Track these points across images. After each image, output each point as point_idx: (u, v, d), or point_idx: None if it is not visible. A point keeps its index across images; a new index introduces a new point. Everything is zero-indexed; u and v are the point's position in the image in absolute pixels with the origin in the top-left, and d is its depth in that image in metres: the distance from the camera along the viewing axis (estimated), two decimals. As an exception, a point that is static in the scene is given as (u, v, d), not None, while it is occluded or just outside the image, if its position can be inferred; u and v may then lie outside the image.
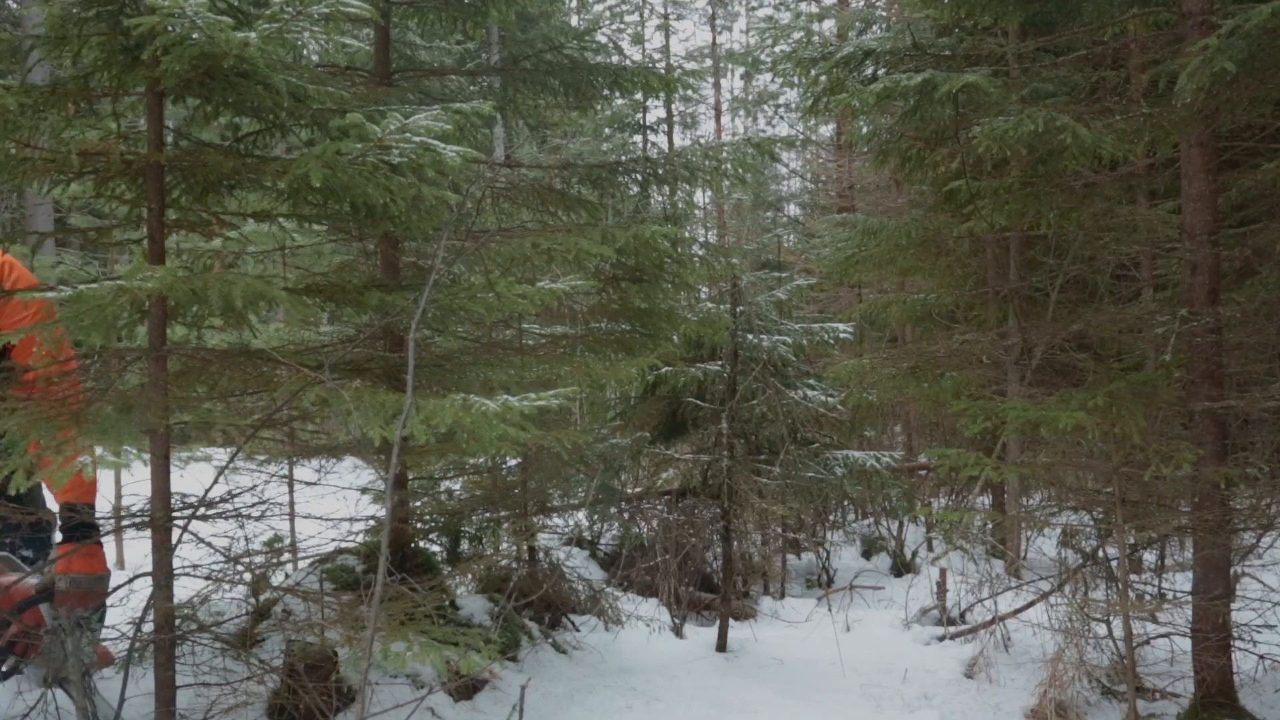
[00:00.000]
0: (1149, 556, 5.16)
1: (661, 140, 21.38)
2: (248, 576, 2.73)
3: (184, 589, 2.52)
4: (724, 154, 3.92)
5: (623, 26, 22.63)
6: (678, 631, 4.91)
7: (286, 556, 4.81)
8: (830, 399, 6.43)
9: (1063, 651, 3.70)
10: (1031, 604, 4.56)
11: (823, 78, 5.65)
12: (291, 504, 5.67)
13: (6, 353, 2.41)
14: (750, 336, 5.54)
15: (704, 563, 5.74)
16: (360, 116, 1.95)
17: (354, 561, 3.63)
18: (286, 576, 3.94)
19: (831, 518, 8.21)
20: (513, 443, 1.99)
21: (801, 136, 15.70)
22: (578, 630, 4.53)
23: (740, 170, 3.94)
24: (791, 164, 19.36)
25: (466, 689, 3.20)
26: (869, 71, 5.77)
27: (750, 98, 23.40)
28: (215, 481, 2.42)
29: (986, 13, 4.30)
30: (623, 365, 3.88)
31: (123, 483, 6.25)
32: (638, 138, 20.88)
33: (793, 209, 19.63)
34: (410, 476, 3.95)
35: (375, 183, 2.02)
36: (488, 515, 4.54)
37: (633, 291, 4.03)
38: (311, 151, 1.99)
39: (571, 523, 5.86)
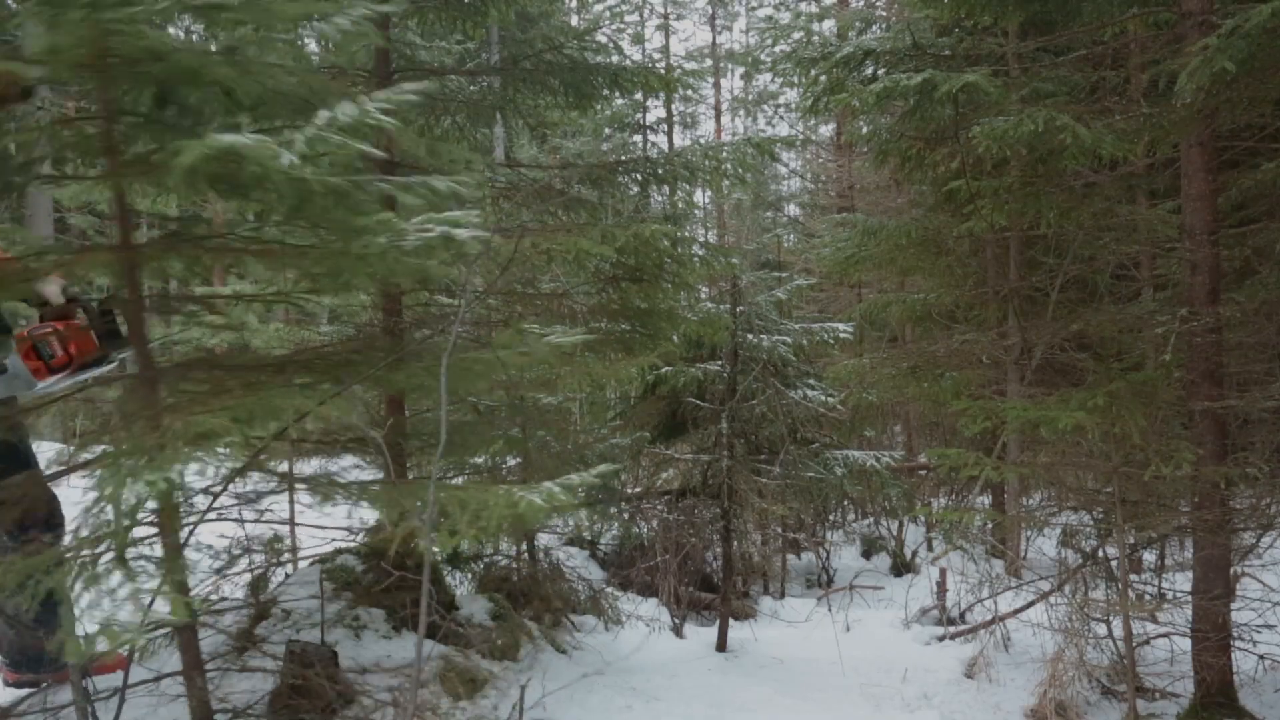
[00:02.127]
0: (1149, 556, 5.16)
1: (661, 140, 21.37)
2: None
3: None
4: (724, 154, 3.92)
5: (623, 26, 22.63)
6: (678, 631, 4.91)
7: (287, 556, 4.82)
8: (830, 399, 6.43)
9: (1063, 651, 3.70)
10: (1031, 604, 4.56)
11: (823, 77, 5.66)
12: (291, 504, 5.67)
13: None
14: (750, 336, 5.55)
15: (704, 563, 5.74)
16: (390, 217, 1.88)
17: (354, 562, 3.63)
18: (287, 577, 3.94)
19: (831, 518, 8.22)
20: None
21: (801, 136, 15.71)
22: (578, 630, 4.52)
23: (740, 170, 3.93)
24: (791, 164, 19.37)
25: (466, 689, 3.19)
26: (869, 71, 5.77)
27: (750, 98, 23.40)
28: (223, 489, 2.42)
29: (986, 13, 4.31)
30: (623, 365, 3.88)
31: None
32: (638, 137, 20.88)
33: (793, 209, 19.63)
34: (410, 476, 3.95)
35: (393, 268, 1.96)
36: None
37: (633, 291, 4.03)
38: (329, 248, 1.93)
39: (571, 523, 5.86)
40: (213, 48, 2.00)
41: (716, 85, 23.67)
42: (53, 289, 2.65)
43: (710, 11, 23.78)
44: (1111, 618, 3.72)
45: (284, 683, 2.68)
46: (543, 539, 4.95)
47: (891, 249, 6.70)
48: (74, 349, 2.58)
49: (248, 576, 3.21)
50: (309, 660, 2.70)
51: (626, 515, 5.88)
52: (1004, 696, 4.00)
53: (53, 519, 2.56)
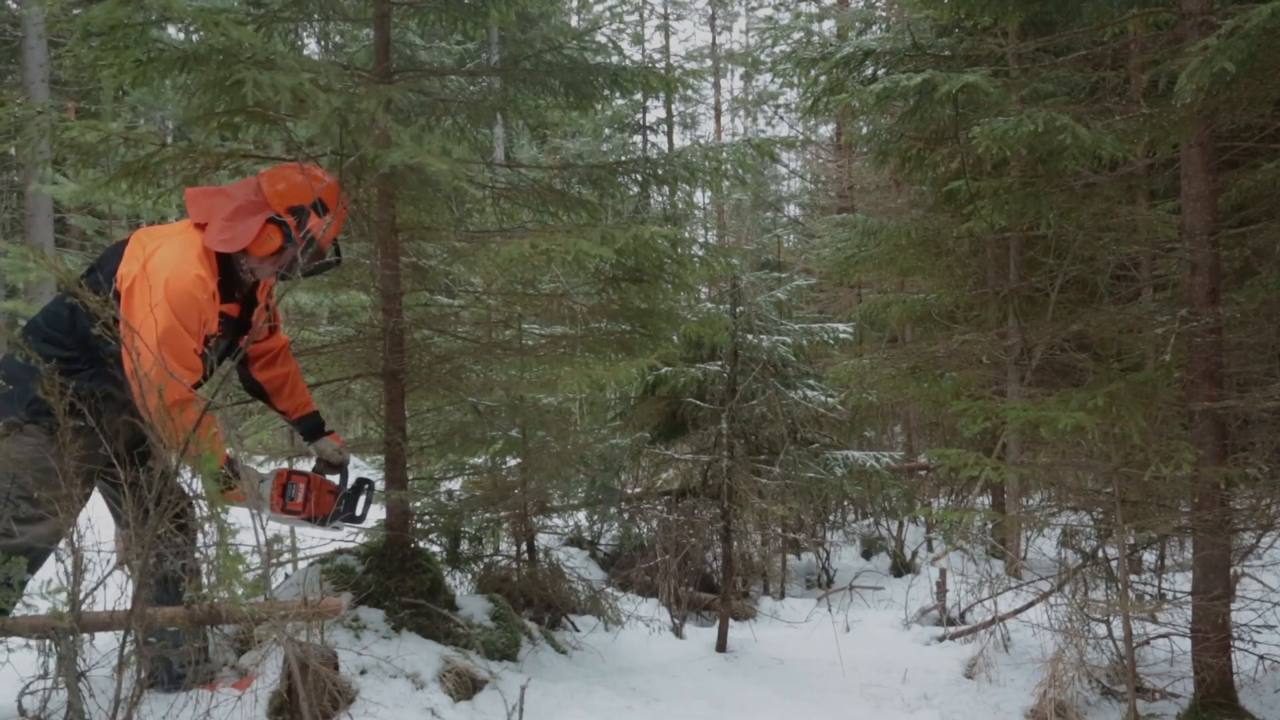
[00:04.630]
0: (1149, 556, 5.16)
1: (661, 140, 21.38)
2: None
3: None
4: (724, 154, 3.91)
5: (623, 26, 22.65)
6: (678, 631, 4.91)
7: (286, 557, 4.82)
8: (830, 399, 6.42)
9: (1063, 651, 3.70)
10: (1031, 604, 4.56)
11: (823, 78, 5.65)
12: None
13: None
14: (750, 336, 5.54)
15: (704, 563, 5.74)
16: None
17: (354, 562, 3.63)
18: (287, 577, 3.94)
19: (831, 518, 8.21)
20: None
21: (801, 136, 15.71)
22: (578, 630, 4.53)
23: (740, 171, 3.93)
24: (791, 164, 19.37)
25: (466, 689, 3.19)
26: (869, 71, 5.77)
27: (750, 98, 23.40)
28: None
29: (986, 13, 4.30)
30: (623, 366, 3.88)
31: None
32: (637, 138, 20.89)
33: (793, 209, 19.63)
34: (410, 477, 3.95)
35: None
36: (488, 515, 4.54)
37: (632, 292, 4.03)
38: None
39: (571, 523, 5.86)
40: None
41: (716, 85, 23.68)
42: (330, 448, 3.17)
43: (710, 12, 23.79)
44: (1111, 618, 3.72)
45: (283, 683, 2.68)
46: (543, 539, 4.95)
47: (891, 249, 6.69)
48: (312, 505, 2.96)
49: (247, 577, 3.21)
50: (308, 661, 2.70)
51: (626, 515, 5.87)
52: (1004, 697, 3.99)
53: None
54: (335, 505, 3.04)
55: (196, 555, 2.47)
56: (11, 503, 2.51)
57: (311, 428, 3.19)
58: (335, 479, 3.11)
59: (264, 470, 2.99)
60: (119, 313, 2.46)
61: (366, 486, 3.17)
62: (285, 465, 3.21)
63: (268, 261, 2.79)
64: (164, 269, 2.54)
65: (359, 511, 3.14)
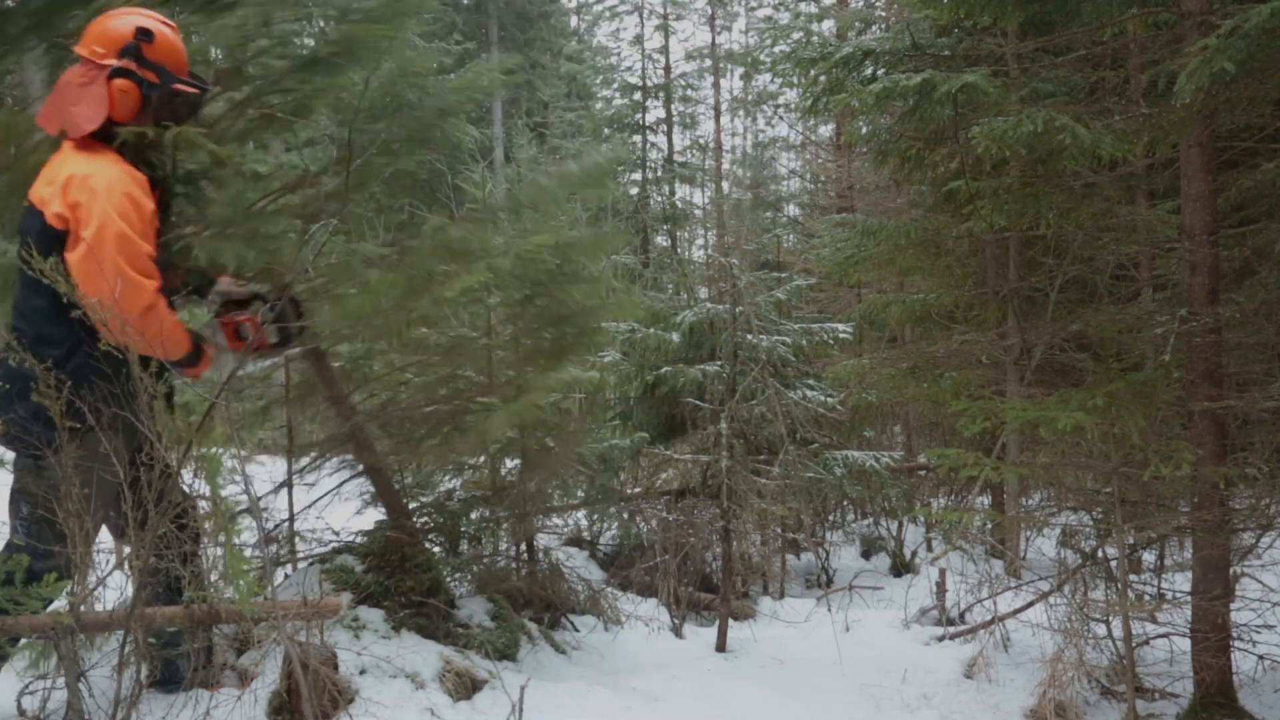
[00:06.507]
0: (1149, 556, 5.16)
1: (661, 140, 21.35)
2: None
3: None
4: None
5: (622, 27, 22.64)
6: (677, 631, 4.91)
7: (285, 556, 4.81)
8: (830, 399, 6.42)
9: (1062, 651, 3.70)
10: (1031, 604, 4.56)
11: (822, 78, 5.65)
12: (290, 503, 5.66)
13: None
14: (750, 336, 5.54)
15: (703, 563, 5.74)
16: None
17: (353, 561, 3.63)
18: (286, 577, 3.94)
19: (831, 518, 8.21)
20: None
21: (801, 137, 15.72)
22: (577, 630, 4.52)
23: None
24: (791, 164, 19.36)
25: (466, 689, 3.19)
26: (868, 71, 5.77)
27: (750, 98, 23.38)
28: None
29: (986, 13, 4.30)
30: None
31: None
32: (637, 137, 20.84)
33: (792, 209, 19.62)
34: (409, 479, 3.96)
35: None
36: (487, 515, 4.54)
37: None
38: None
39: (571, 523, 5.86)
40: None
41: (716, 85, 23.66)
42: (234, 287, 2.97)
43: (710, 12, 23.77)
44: (1111, 618, 3.72)
45: (283, 683, 2.68)
46: (542, 539, 4.95)
47: (891, 249, 6.69)
48: (262, 335, 2.92)
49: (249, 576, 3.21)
50: (308, 661, 2.70)
51: (626, 515, 5.87)
52: (1004, 697, 3.99)
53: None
54: (275, 330, 2.97)
55: (198, 555, 2.46)
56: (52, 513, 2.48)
57: (201, 283, 2.98)
58: (250, 312, 2.98)
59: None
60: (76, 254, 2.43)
61: (277, 300, 3.00)
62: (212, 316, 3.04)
63: (146, 122, 2.63)
64: (93, 182, 2.46)
65: (299, 321, 3.05)
